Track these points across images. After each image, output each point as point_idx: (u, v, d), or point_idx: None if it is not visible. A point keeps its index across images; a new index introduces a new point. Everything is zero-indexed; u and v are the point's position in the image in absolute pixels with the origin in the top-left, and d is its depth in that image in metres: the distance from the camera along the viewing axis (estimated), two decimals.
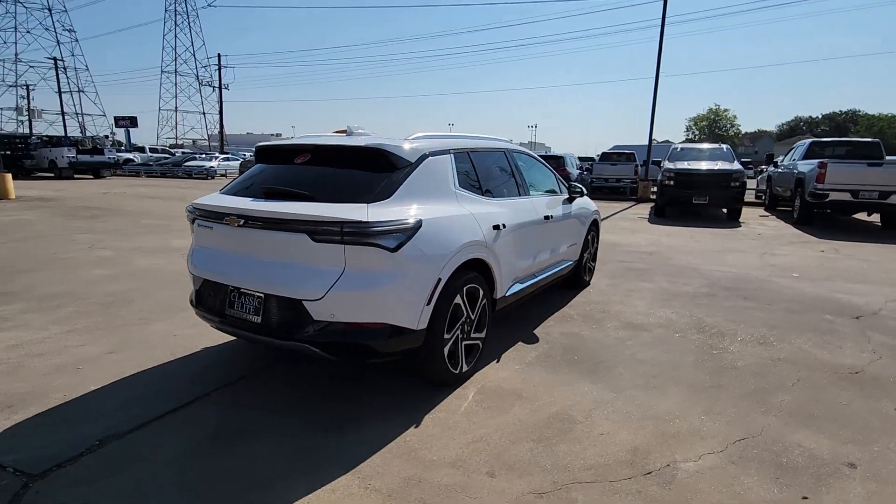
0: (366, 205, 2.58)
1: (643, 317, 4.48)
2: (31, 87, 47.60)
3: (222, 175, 28.48)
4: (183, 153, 36.67)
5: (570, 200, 4.78)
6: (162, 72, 66.73)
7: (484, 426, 2.64)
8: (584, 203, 5.20)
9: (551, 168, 4.91)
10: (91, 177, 24.93)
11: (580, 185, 4.90)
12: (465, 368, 3.11)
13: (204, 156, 30.90)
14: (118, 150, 34.19)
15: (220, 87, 34.02)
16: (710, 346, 3.79)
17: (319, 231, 2.48)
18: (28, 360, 3.36)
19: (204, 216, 2.91)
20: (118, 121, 50.68)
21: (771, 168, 13.80)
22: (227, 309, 2.82)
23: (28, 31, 59.22)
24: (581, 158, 25.79)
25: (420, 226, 2.66)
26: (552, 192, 4.70)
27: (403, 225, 2.58)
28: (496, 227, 3.29)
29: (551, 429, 2.62)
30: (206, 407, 2.80)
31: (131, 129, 51.11)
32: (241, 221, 2.66)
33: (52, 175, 24.60)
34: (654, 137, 17.88)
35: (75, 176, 24.52)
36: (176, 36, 67.47)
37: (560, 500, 2.07)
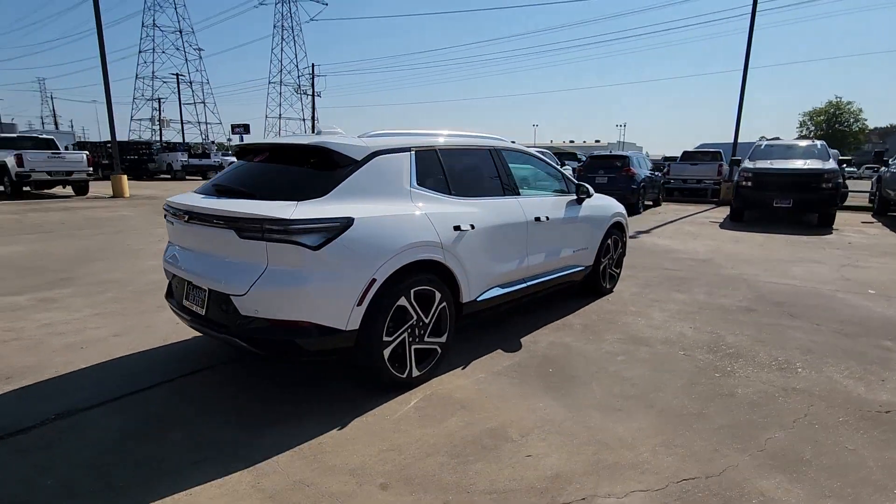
0: (295, 203, 2.56)
1: (652, 330, 4.03)
2: (162, 100, 53.86)
3: None
4: None
5: (578, 201, 4.43)
6: (269, 82, 72.62)
7: (408, 435, 2.50)
8: (601, 204, 4.80)
9: (558, 168, 4.59)
10: (200, 178, 27.70)
11: (586, 185, 4.52)
12: (415, 374, 2.98)
13: None
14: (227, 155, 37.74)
15: (312, 95, 36.32)
16: (715, 368, 3.31)
17: (244, 228, 2.50)
18: (48, 338, 3.76)
19: (168, 212, 3.07)
20: (234, 128, 55.86)
21: (883, 168, 11.90)
22: (184, 300, 2.95)
23: (163, 52, 67.26)
24: (666, 158, 24.07)
25: (349, 224, 2.58)
26: (556, 192, 4.40)
27: (327, 224, 2.52)
28: (458, 228, 3.12)
29: (476, 445, 2.42)
30: (160, 393, 2.93)
31: (244, 136, 56.27)
32: (186, 217, 2.77)
33: (168, 177, 27.71)
34: (763, 135, 16.21)
35: (187, 177, 27.42)
36: (282, 49, 72.95)
37: None
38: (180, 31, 67.15)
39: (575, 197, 4.41)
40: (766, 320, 4.30)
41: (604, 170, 12.57)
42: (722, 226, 10.42)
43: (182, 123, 43.75)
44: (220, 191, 2.89)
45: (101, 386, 2.99)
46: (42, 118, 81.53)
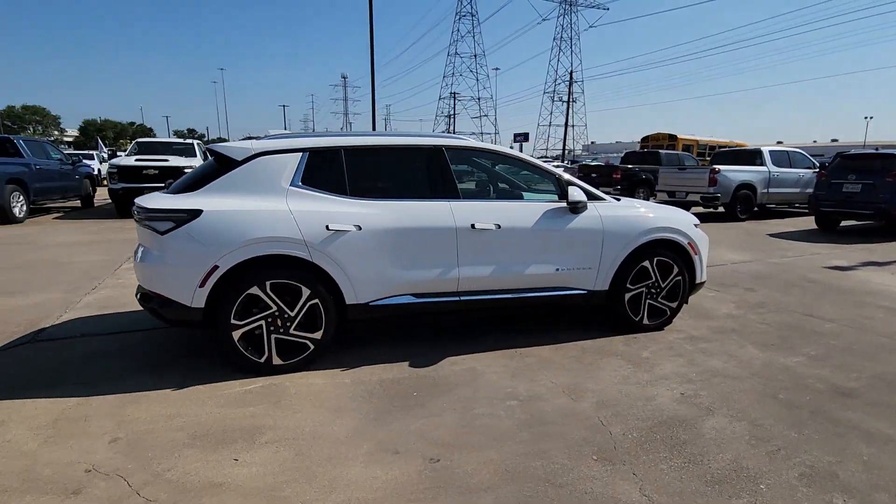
0: (170, 195, 3.01)
1: (631, 387, 3.00)
2: (454, 116, 62.60)
3: None
4: None
5: (572, 210, 3.57)
6: (543, 92, 75.66)
7: (200, 410, 2.67)
8: (623, 215, 3.72)
9: (545, 169, 3.77)
10: None
11: (580, 190, 3.55)
12: (276, 362, 3.08)
13: None
14: None
15: (568, 101, 36.59)
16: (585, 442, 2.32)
17: (137, 216, 3.08)
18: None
19: None
20: (515, 137, 61.22)
21: None
22: None
23: (460, 75, 77.92)
24: None
25: (197, 215, 2.89)
26: (537, 197, 3.66)
27: (174, 213, 2.89)
28: (330, 228, 3.04)
29: (228, 437, 2.43)
30: (114, 338, 3.78)
31: (524, 144, 61.04)
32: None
33: None
34: None
35: None
36: (559, 60, 74.95)
37: None
38: (475, 56, 76.46)
39: (565, 205, 3.56)
40: (796, 396, 2.64)
41: (857, 174, 9.03)
42: None
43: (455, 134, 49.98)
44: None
45: (91, 327, 4.07)
46: None
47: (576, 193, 3.49)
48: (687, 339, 3.77)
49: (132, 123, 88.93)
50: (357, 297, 3.18)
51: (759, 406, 2.74)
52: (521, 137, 63.26)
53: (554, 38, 74.69)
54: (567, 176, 3.72)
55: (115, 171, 11.03)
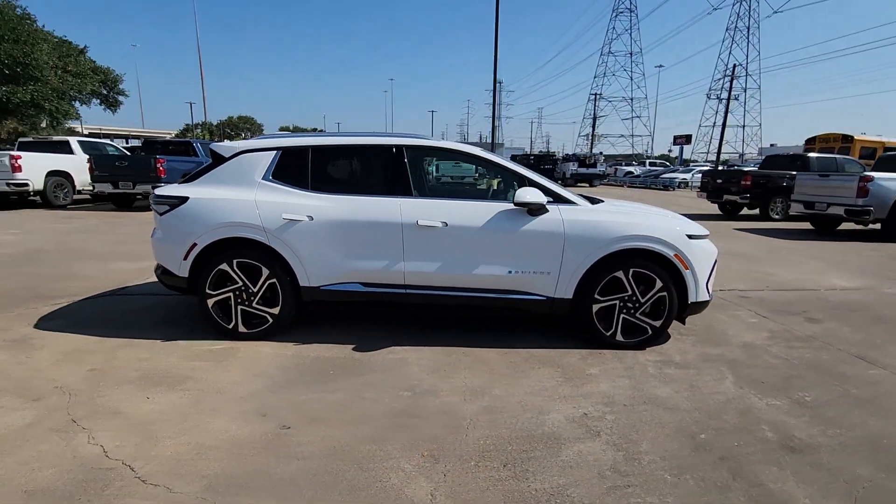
0: (177, 184, 3.69)
1: (508, 415, 2.85)
2: (596, 118, 59.80)
3: (694, 186, 27.70)
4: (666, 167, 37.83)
5: (531, 212, 3.41)
6: (710, 90, 67.67)
7: (158, 359, 3.26)
8: (590, 220, 3.43)
9: (507, 169, 3.62)
10: (586, 185, 30.04)
11: (537, 192, 3.34)
12: (242, 329, 3.56)
13: (681, 169, 30.87)
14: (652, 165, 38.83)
15: (728, 98, 32.19)
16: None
17: (150, 200, 3.82)
18: None
19: None
20: (675, 139, 56.08)
21: None
22: None
23: (613, 74, 73.80)
24: None
25: (184, 201, 3.50)
26: (495, 198, 3.58)
27: (169, 200, 3.53)
28: (285, 217, 3.41)
29: (151, 381, 2.96)
30: (164, 298, 4.65)
31: (685, 146, 55.53)
32: None
33: (560, 183, 31.41)
34: None
35: (577, 184, 30.36)
36: (731, 53, 66.23)
37: None
38: (630, 54, 71.76)
39: (517, 205, 3.40)
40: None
41: None
42: None
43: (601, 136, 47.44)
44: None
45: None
46: (531, 139, 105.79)
47: (525, 194, 3.33)
48: (659, 363, 3.33)
49: (314, 129, 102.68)
50: (309, 281, 3.51)
51: (660, 442, 2.39)
52: (682, 140, 57.43)
53: (727, 29, 66.50)
54: (532, 177, 3.57)
55: None
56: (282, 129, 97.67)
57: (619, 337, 3.54)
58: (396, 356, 3.38)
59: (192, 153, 13.38)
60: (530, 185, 3.49)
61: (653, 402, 2.79)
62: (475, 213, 3.46)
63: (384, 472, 2.12)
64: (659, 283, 3.47)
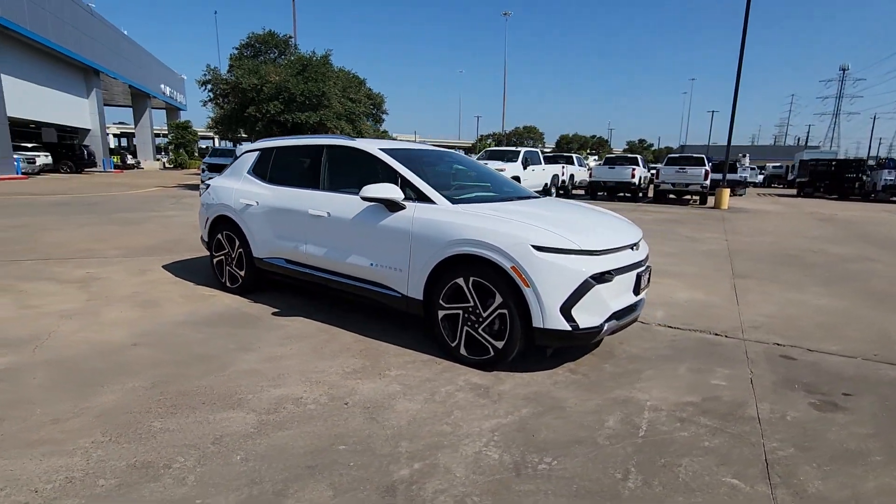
0: (216, 175, 5.12)
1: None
2: None
3: None
4: None
5: (390, 208, 3.43)
6: None
7: (163, 309, 4.69)
8: (437, 220, 3.22)
9: (391, 168, 3.58)
10: None
11: (393, 188, 3.39)
12: (229, 286, 4.73)
13: None
14: None
15: None
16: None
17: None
18: None
19: None
20: None
21: None
22: None
23: None
24: None
25: (209, 187, 4.87)
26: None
27: (206, 185, 4.95)
28: (241, 202, 4.40)
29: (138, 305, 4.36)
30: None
31: None
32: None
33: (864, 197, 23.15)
34: None
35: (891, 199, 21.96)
36: None
37: None
38: None
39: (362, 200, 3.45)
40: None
41: None
42: None
43: None
44: None
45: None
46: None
47: (369, 190, 3.36)
48: (526, 399, 2.90)
49: (593, 136, 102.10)
50: (256, 252, 4.40)
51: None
52: None
53: None
54: (406, 175, 3.53)
55: None
56: (561, 137, 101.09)
57: (462, 351, 3.20)
58: (281, 322, 3.93)
59: None
60: (401, 183, 3.50)
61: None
62: (349, 206, 3.69)
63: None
64: (499, 299, 2.99)
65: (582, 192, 21.02)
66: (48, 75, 26.77)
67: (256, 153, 4.69)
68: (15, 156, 22.60)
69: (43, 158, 25.77)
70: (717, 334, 3.93)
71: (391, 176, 3.70)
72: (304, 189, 4.10)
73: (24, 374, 2.89)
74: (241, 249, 4.54)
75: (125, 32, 36.22)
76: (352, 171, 3.95)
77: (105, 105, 34.96)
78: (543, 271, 2.84)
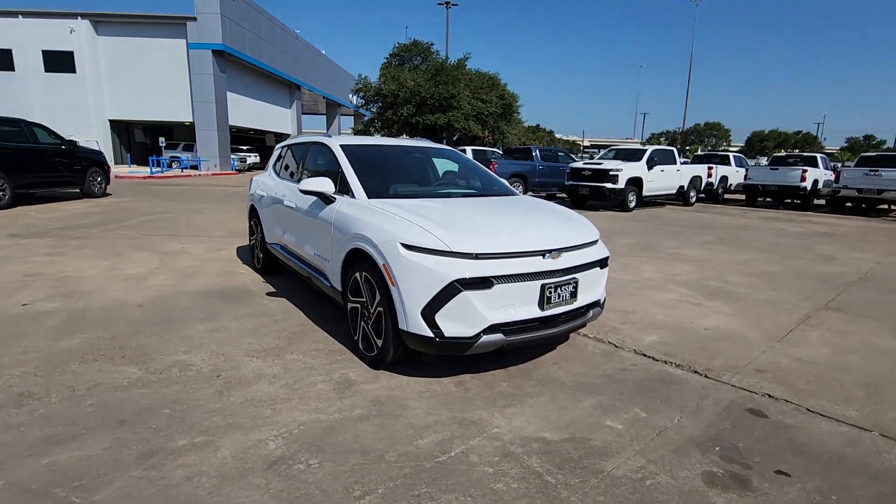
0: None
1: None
2: None
3: None
4: None
5: (326, 200, 3.56)
6: None
7: (155, 282, 5.53)
8: (348, 212, 3.26)
9: (339, 164, 3.66)
10: None
11: (326, 182, 3.52)
12: (256, 266, 5.39)
13: None
14: None
15: None
16: None
17: None
18: None
19: None
20: None
21: None
22: None
23: None
24: None
25: (252, 180, 5.59)
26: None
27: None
28: (258, 193, 4.97)
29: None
30: None
31: None
32: None
33: None
34: None
35: None
36: None
37: None
38: None
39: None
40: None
41: None
42: None
43: None
44: None
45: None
46: None
47: (304, 183, 3.51)
48: (444, 401, 2.87)
49: (797, 132, 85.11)
50: (267, 238, 4.93)
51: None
52: None
53: None
54: (344, 170, 3.60)
55: (569, 171, 13.95)
56: (754, 134, 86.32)
57: (360, 345, 3.17)
58: (263, 301, 4.34)
59: (529, 157, 15.63)
60: (340, 177, 3.60)
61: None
62: (305, 198, 3.90)
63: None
64: (377, 296, 2.89)
65: (742, 196, 17.81)
66: (260, 90, 32.92)
67: (277, 151, 5.23)
68: (232, 156, 28.51)
69: (252, 158, 31.88)
70: (695, 371, 3.12)
71: (339, 170, 3.81)
72: (289, 182, 4.48)
73: (47, 317, 3.78)
74: (260, 235, 5.13)
75: (323, 52, 42.60)
76: (321, 166, 4.15)
77: (303, 114, 41.72)
78: (407, 271, 2.67)
